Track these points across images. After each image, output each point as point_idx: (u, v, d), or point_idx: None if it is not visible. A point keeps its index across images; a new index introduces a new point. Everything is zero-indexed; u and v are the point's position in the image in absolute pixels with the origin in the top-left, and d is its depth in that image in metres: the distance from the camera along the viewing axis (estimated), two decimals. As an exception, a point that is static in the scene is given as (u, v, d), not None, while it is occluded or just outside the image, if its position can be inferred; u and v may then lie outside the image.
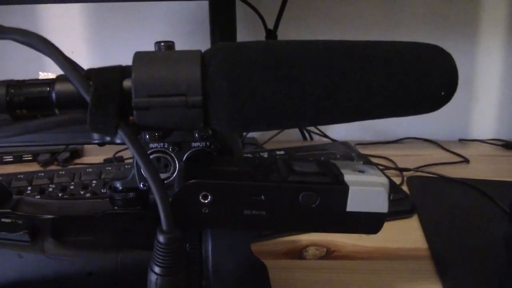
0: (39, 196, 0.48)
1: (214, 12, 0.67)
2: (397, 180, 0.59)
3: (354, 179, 0.25)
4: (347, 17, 0.78)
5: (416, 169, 0.64)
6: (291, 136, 0.79)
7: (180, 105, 0.22)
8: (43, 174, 0.52)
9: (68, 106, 0.24)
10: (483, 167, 0.68)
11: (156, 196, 0.23)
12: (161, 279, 0.24)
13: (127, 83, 0.23)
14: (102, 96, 0.22)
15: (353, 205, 0.25)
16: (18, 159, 0.67)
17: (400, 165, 0.65)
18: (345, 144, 0.68)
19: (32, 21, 0.78)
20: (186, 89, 0.22)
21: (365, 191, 0.25)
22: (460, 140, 0.82)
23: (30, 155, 0.67)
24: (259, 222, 0.25)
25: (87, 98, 0.22)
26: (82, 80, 0.23)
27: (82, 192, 0.49)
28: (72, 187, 0.50)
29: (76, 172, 0.53)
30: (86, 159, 0.69)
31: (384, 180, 0.26)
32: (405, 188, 0.57)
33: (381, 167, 0.63)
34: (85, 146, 0.74)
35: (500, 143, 0.78)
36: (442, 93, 0.24)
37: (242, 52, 0.23)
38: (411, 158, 0.68)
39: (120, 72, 0.23)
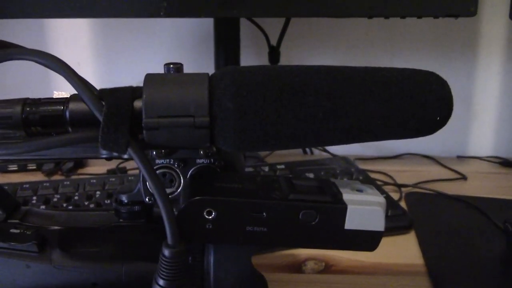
0: (44, 206, 0.49)
1: (219, 29, 0.68)
2: (395, 196, 0.60)
3: (353, 198, 0.27)
4: (349, 37, 0.79)
5: (414, 185, 0.65)
6: (292, 151, 0.80)
7: (188, 126, 0.24)
8: (48, 184, 0.53)
9: (80, 125, 0.25)
10: (480, 184, 0.69)
11: (162, 211, 0.24)
12: (165, 291, 0.25)
13: (137, 103, 0.24)
14: (114, 116, 0.23)
15: (351, 223, 0.26)
16: (22, 168, 0.68)
17: (399, 181, 0.66)
18: (344, 159, 0.69)
19: (39, 34, 0.80)
20: (194, 110, 0.24)
21: (363, 210, 0.26)
22: (458, 157, 0.83)
23: (34, 165, 0.68)
24: (260, 238, 0.26)
25: (100, 118, 0.23)
26: (95, 100, 0.24)
27: (86, 203, 0.50)
28: (76, 197, 0.51)
29: (80, 182, 0.54)
30: (89, 169, 0.70)
31: (381, 199, 0.27)
32: (403, 204, 0.58)
33: (379, 183, 0.64)
34: (89, 156, 0.75)
35: (498, 160, 0.79)
36: (438, 118, 0.25)
37: (249, 76, 0.24)
38: (409, 174, 0.69)
39: (131, 92, 0.25)
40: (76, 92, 0.25)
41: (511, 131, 0.84)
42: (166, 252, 0.25)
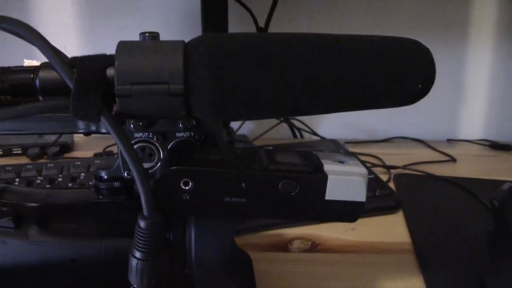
0: (26, 188, 0.49)
1: (206, 11, 0.67)
2: (384, 178, 0.60)
3: (334, 169, 0.26)
4: (337, 17, 0.79)
5: (404, 167, 0.64)
6: (281, 134, 0.79)
7: (162, 93, 0.23)
8: (31, 167, 0.52)
9: (51, 93, 0.24)
10: (469, 166, 0.69)
11: (137, 180, 0.24)
12: (141, 263, 0.25)
13: (110, 71, 0.23)
14: (85, 83, 0.23)
15: (332, 193, 0.26)
16: (7, 153, 0.67)
17: (388, 164, 0.66)
18: (333, 142, 0.68)
19: (23, 14, 0.78)
20: (168, 77, 0.23)
21: (344, 180, 0.26)
22: (448, 140, 0.83)
23: (19, 149, 0.67)
24: (239, 209, 0.26)
25: (70, 85, 0.23)
26: (65, 68, 0.23)
27: (70, 185, 0.49)
28: (60, 179, 0.50)
29: (64, 165, 0.53)
30: (76, 154, 0.70)
31: (363, 170, 0.26)
32: (391, 185, 0.58)
33: (368, 165, 0.64)
34: (76, 140, 0.74)
35: (488, 143, 0.79)
36: (420, 86, 0.25)
37: (225, 43, 0.23)
38: (399, 157, 0.69)
39: (104, 60, 0.24)
40: (47, 61, 0.24)
41: (501, 114, 0.84)
42: (142, 223, 0.24)
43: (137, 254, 0.25)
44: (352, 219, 0.27)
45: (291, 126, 0.76)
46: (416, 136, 0.81)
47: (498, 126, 0.84)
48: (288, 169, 0.26)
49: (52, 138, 0.69)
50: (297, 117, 0.79)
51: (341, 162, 0.27)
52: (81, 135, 0.74)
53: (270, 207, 0.26)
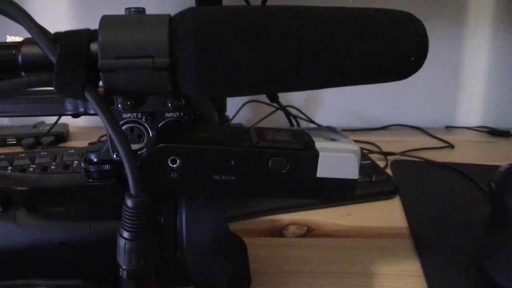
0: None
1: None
2: (382, 164, 0.60)
3: (325, 146, 0.25)
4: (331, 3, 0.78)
5: (401, 154, 0.64)
6: (277, 122, 0.79)
7: (147, 67, 0.22)
8: (24, 155, 0.52)
9: (34, 69, 0.23)
10: (467, 152, 0.68)
11: (123, 157, 0.23)
12: (129, 243, 0.24)
13: (94, 46, 0.23)
14: (69, 58, 0.22)
15: (323, 171, 0.25)
16: (1, 143, 0.67)
17: (386, 150, 0.65)
18: (330, 128, 0.68)
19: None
20: (153, 51, 0.22)
21: (336, 157, 0.25)
22: (447, 127, 0.82)
23: (14, 139, 0.67)
24: (228, 188, 0.25)
25: (53, 60, 0.22)
26: (48, 42, 0.22)
27: (63, 172, 0.49)
28: (53, 167, 0.50)
29: (57, 153, 0.53)
30: (71, 144, 0.69)
31: (355, 147, 0.26)
32: (389, 171, 0.57)
33: (365, 151, 0.63)
34: (71, 130, 0.74)
35: (486, 130, 0.78)
36: (412, 59, 0.24)
37: (212, 15, 0.23)
38: (396, 144, 0.69)
39: (88, 35, 0.23)
40: (29, 37, 0.23)
41: (500, 100, 0.83)
42: (129, 202, 0.24)
43: (125, 234, 0.24)
44: (345, 197, 0.26)
45: (288, 114, 0.76)
46: (414, 124, 0.80)
47: (497, 113, 0.83)
48: (279, 146, 0.25)
49: (47, 128, 0.68)
50: (293, 105, 0.79)
51: (333, 140, 0.27)
52: (76, 125, 0.74)
53: (260, 185, 0.25)
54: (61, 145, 0.68)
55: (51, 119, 0.68)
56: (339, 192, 0.26)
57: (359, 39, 0.23)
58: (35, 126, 0.71)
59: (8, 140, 0.67)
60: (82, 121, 0.78)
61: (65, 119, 0.69)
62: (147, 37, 0.22)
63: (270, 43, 0.22)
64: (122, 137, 0.23)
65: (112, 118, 0.23)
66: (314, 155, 0.25)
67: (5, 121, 0.78)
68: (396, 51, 0.24)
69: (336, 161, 0.25)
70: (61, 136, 0.69)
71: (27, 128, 0.70)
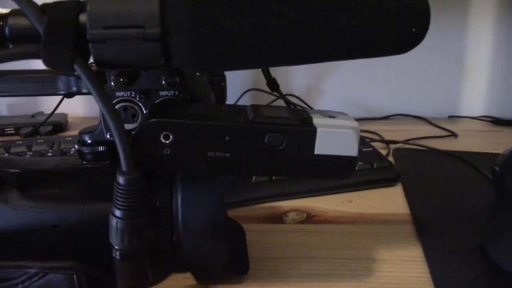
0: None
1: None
2: (384, 152, 0.59)
3: (323, 122, 0.25)
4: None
5: (404, 142, 0.63)
6: (278, 112, 0.78)
7: (137, 38, 0.21)
8: (21, 142, 0.51)
9: (22, 40, 0.23)
10: (471, 141, 0.67)
11: (114, 133, 0.22)
12: (121, 222, 0.24)
13: (83, 17, 0.22)
14: (56, 29, 0.21)
15: (321, 147, 0.24)
16: (0, 132, 0.66)
17: (388, 139, 0.64)
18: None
19: None
20: (143, 21, 0.21)
21: (334, 133, 0.24)
22: (450, 117, 0.81)
23: (12, 128, 0.66)
24: (223, 165, 0.24)
25: (41, 31, 0.21)
26: (35, 13, 0.22)
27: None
28: (50, 154, 0.49)
29: (55, 140, 0.52)
30: (69, 133, 0.68)
31: (354, 123, 0.25)
32: (391, 159, 0.56)
33: (367, 140, 0.63)
34: (70, 120, 0.73)
35: (490, 119, 0.77)
36: (413, 29, 0.23)
37: (204, -16, 0.22)
38: (399, 133, 0.68)
39: (77, 5, 0.22)
40: (16, 8, 0.22)
41: (504, 90, 0.82)
42: (120, 179, 0.23)
43: (117, 213, 0.24)
44: (344, 175, 0.25)
45: (288, 103, 0.75)
46: (417, 113, 0.79)
47: (501, 102, 0.82)
48: (275, 122, 0.24)
49: (45, 117, 0.67)
50: (294, 94, 0.78)
51: (331, 116, 0.26)
52: (75, 115, 0.73)
53: (256, 163, 0.25)
54: (60, 134, 0.67)
55: (50, 109, 0.67)
56: (337, 170, 0.25)
57: (359, 10, 0.22)
58: (33, 116, 0.70)
59: (6, 129, 0.66)
60: (81, 110, 0.77)
61: (63, 109, 0.68)
62: (137, 6, 0.22)
63: (266, 12, 0.22)
64: (112, 111, 0.22)
65: (102, 91, 0.22)
66: (311, 131, 0.24)
67: (3, 111, 0.77)
68: (396, 21, 0.23)
69: (335, 138, 0.24)
70: (60, 125, 0.68)
71: (25, 117, 0.69)
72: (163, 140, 0.24)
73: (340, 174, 0.25)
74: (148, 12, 0.21)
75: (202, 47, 0.22)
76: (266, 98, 0.74)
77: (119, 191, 0.23)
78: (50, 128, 0.66)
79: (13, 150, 0.50)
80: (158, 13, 0.21)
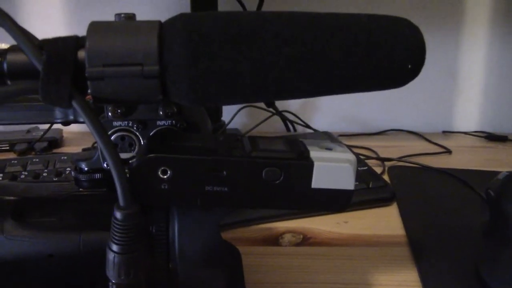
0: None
1: (196, 3, 0.66)
2: (379, 170, 0.59)
3: (320, 156, 0.25)
4: (329, 7, 0.77)
5: (398, 159, 0.63)
6: (274, 127, 0.78)
7: (136, 75, 0.21)
8: (16, 162, 0.51)
9: (20, 77, 0.23)
10: (465, 158, 0.68)
11: (112, 169, 0.22)
12: (118, 257, 0.24)
13: (82, 53, 0.22)
14: (55, 65, 0.21)
15: (318, 181, 0.24)
16: (-6, 149, 0.66)
17: (383, 156, 0.64)
18: (326, 134, 0.67)
19: (9, 9, 0.77)
20: (142, 58, 0.21)
21: (331, 167, 0.24)
22: (444, 132, 0.82)
23: (7, 145, 0.66)
24: (221, 199, 0.24)
25: (39, 67, 0.21)
26: (34, 49, 0.22)
27: (55, 179, 0.48)
28: (45, 174, 0.49)
29: (50, 159, 0.52)
30: (65, 149, 0.68)
31: (351, 156, 0.25)
32: (386, 177, 0.57)
33: (362, 157, 0.63)
34: (65, 136, 0.73)
35: (484, 135, 0.78)
36: (409, 66, 0.23)
37: (202, 21, 0.22)
38: (394, 149, 0.68)
39: (75, 41, 0.22)
40: (15, 44, 0.22)
41: (497, 105, 0.83)
42: (118, 214, 0.23)
43: (114, 247, 0.24)
44: (340, 209, 0.25)
45: (284, 119, 0.75)
46: (411, 129, 0.80)
47: (494, 117, 0.83)
48: (272, 156, 0.24)
49: (40, 133, 0.67)
50: (290, 110, 0.78)
51: (329, 149, 0.26)
52: (70, 130, 0.73)
53: (254, 196, 0.25)
54: (55, 150, 0.67)
55: (45, 125, 0.67)
56: (334, 204, 0.25)
57: (354, 47, 0.23)
58: (28, 131, 0.70)
59: (0, 145, 0.66)
60: (76, 126, 0.77)
61: (58, 124, 0.68)
62: (136, 44, 0.22)
63: (262, 50, 0.22)
64: (110, 147, 0.22)
65: (100, 128, 0.22)
66: (309, 165, 0.24)
67: (-2, 125, 0.77)
68: (392, 58, 0.23)
69: (332, 172, 0.24)
70: (55, 141, 0.68)
71: (20, 133, 0.69)
72: (160, 175, 0.24)
73: (336, 207, 0.25)
74: (147, 49, 0.21)
75: (199, 83, 0.22)
76: (262, 114, 0.74)
77: (117, 226, 0.23)
78: (45, 144, 0.66)
79: (7, 169, 0.50)
80: (157, 50, 0.21)
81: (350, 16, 0.23)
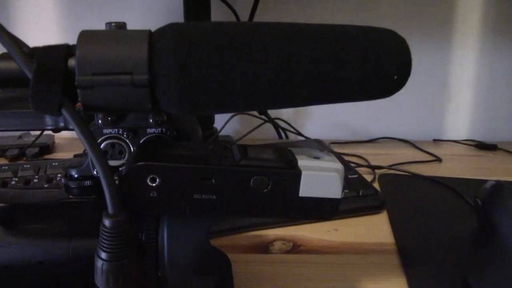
0: (0, 189, 0.47)
1: (189, 8, 0.66)
2: (369, 178, 0.59)
3: (308, 164, 0.25)
4: (321, 15, 0.78)
5: (389, 167, 0.64)
6: (266, 134, 0.78)
7: (125, 84, 0.22)
8: (6, 168, 0.51)
9: (10, 85, 0.23)
10: (455, 166, 0.68)
11: (101, 176, 0.22)
12: (106, 264, 0.24)
13: (72, 61, 0.22)
14: (45, 74, 0.22)
15: (306, 190, 0.25)
16: (-15, 154, 0.65)
17: (373, 164, 0.65)
18: (318, 141, 0.67)
19: (3, 13, 0.77)
20: (132, 67, 0.22)
21: (318, 176, 0.25)
22: (435, 140, 0.82)
23: (-3, 150, 0.66)
24: (209, 207, 0.25)
25: (29, 75, 0.22)
26: (24, 57, 0.22)
27: (46, 186, 0.48)
28: (36, 180, 0.49)
29: (41, 165, 0.52)
30: (56, 155, 0.68)
31: (339, 165, 0.25)
32: (376, 185, 0.57)
33: (353, 165, 0.63)
34: (57, 141, 0.73)
35: (474, 143, 0.79)
36: (395, 77, 0.24)
37: (192, 31, 0.22)
38: (384, 157, 0.69)
39: (66, 50, 0.23)
40: (5, 51, 0.23)
41: (487, 114, 0.84)
42: (106, 222, 0.23)
43: (102, 255, 0.24)
44: (328, 217, 0.26)
45: (276, 126, 0.75)
46: (402, 137, 0.80)
47: (484, 126, 0.84)
48: (260, 165, 0.25)
49: (32, 139, 0.67)
50: (282, 118, 0.79)
51: (317, 157, 0.26)
52: (62, 136, 0.73)
53: (242, 205, 0.25)
54: (46, 156, 0.67)
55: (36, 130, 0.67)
56: (321, 212, 0.25)
57: (341, 58, 0.23)
58: (20, 137, 0.70)
59: (-9, 151, 0.65)
60: (68, 132, 0.77)
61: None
62: (126, 53, 0.22)
63: (251, 60, 0.22)
64: (99, 155, 0.22)
65: (90, 136, 0.22)
66: (296, 174, 0.24)
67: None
68: (379, 69, 0.23)
69: (319, 180, 0.25)
70: (46, 147, 0.68)
71: (11, 139, 0.69)
72: (149, 183, 0.24)
73: (323, 215, 0.26)
74: (137, 58, 0.22)
75: (189, 93, 0.22)
76: (254, 121, 0.75)
77: (105, 233, 0.23)
78: (36, 150, 0.66)
79: (-2, 175, 0.50)
80: (147, 59, 0.22)
81: (339, 27, 0.24)
